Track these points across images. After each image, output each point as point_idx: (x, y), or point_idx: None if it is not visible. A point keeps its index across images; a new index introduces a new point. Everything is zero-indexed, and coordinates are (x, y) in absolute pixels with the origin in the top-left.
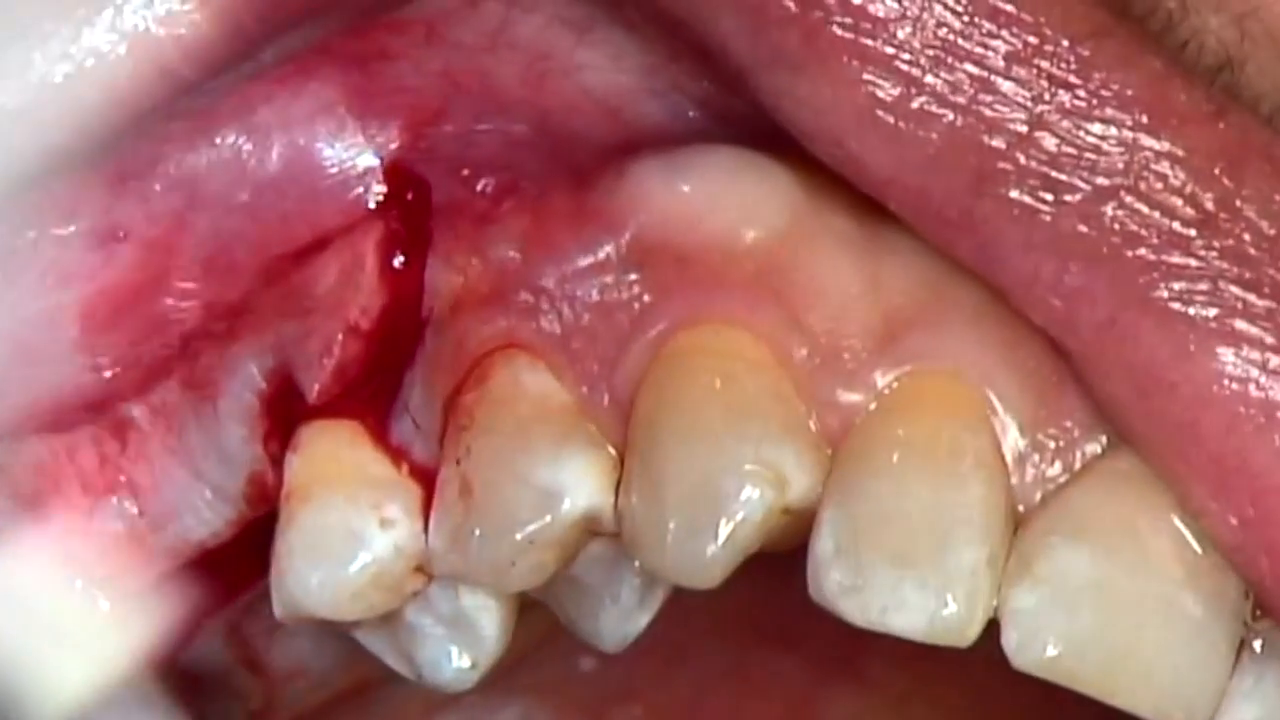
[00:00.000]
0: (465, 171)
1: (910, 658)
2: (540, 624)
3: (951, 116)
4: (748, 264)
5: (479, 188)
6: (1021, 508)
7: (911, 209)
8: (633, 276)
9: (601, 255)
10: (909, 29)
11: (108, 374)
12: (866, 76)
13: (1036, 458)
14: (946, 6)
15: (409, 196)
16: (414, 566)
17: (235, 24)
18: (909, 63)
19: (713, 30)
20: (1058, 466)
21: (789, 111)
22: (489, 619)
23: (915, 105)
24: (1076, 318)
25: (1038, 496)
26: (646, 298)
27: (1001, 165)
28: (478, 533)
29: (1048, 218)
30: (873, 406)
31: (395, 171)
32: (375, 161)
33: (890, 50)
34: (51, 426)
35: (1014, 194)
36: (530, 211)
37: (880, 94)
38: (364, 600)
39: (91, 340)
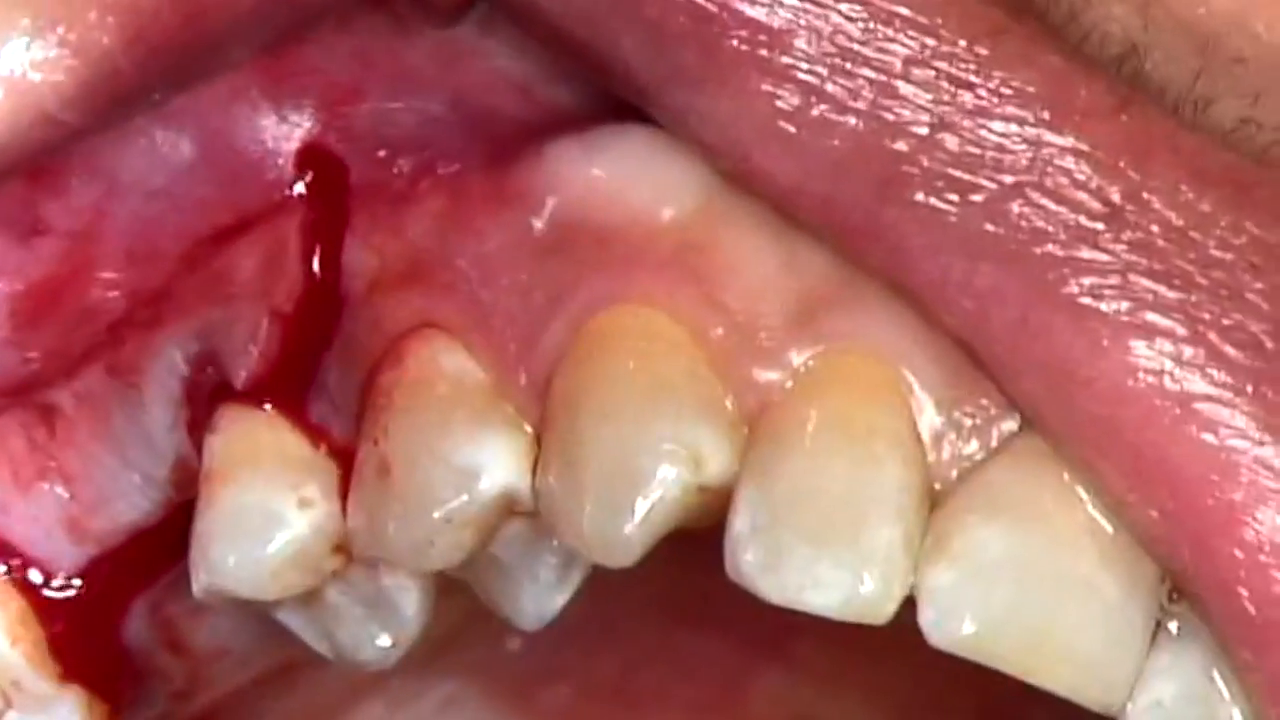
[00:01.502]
0: (382, 152)
1: (838, 637)
2: (465, 605)
3: (853, 122)
4: (664, 243)
5: (396, 168)
6: (938, 486)
7: (819, 218)
8: (550, 256)
9: (518, 235)
10: (806, 38)
11: (33, 362)
12: (766, 87)
13: (953, 436)
14: (842, 14)
15: (326, 178)
16: (333, 546)
17: (112, 70)
18: (808, 71)
19: (613, 50)
20: (974, 444)
21: (693, 128)
22: (409, 598)
23: (816, 113)
24: (988, 318)
25: (954, 474)
26: (563, 278)
27: (905, 169)
28: (396, 512)
29: (954, 219)
30: (789, 385)
31: (311, 153)
32: (291, 144)
33: (788, 60)
34: None
35: (919, 197)
36: (447, 192)
37: (781, 104)
38: (283, 580)
39: (20, 337)
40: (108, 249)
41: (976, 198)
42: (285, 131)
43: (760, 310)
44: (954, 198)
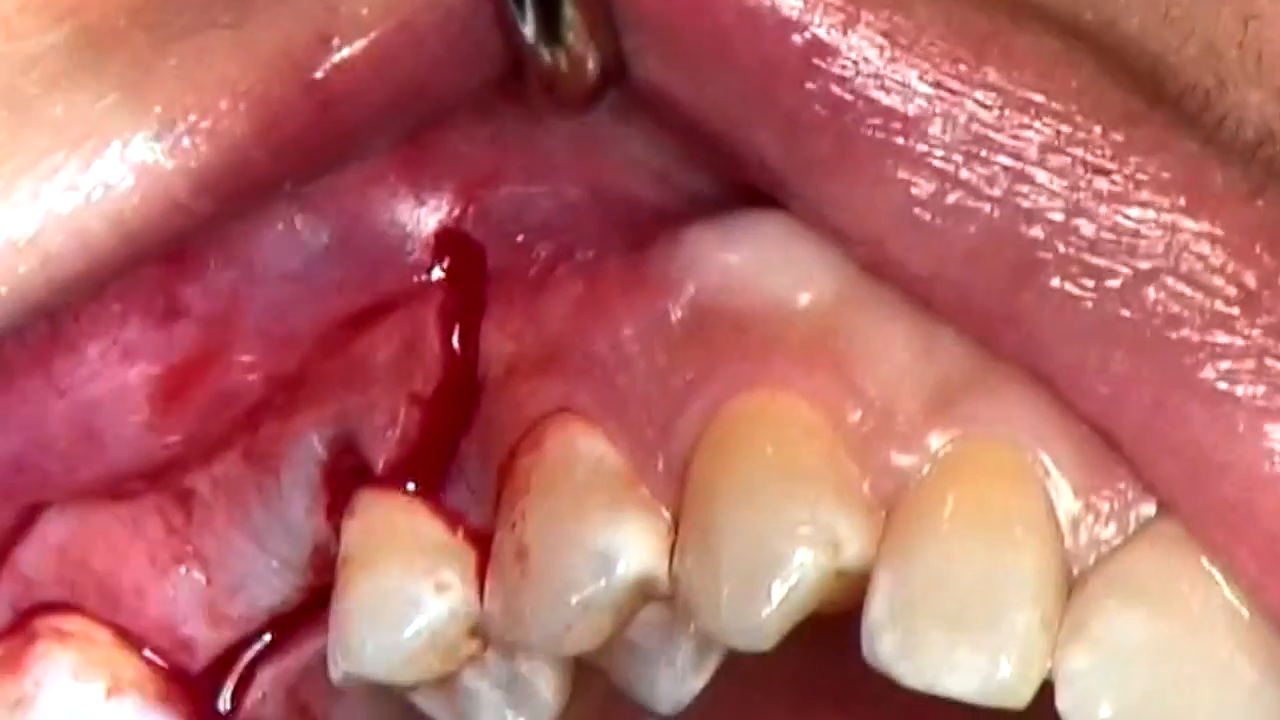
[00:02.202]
0: (519, 237)
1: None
2: (602, 689)
3: (989, 209)
4: (801, 329)
5: (533, 253)
6: (1075, 570)
7: (954, 305)
8: (686, 342)
9: (655, 321)
10: (940, 125)
11: (171, 446)
12: (901, 175)
13: (1090, 520)
14: (977, 101)
15: (464, 263)
16: (470, 630)
17: (244, 160)
18: (943, 159)
19: (748, 140)
20: (1111, 529)
21: (828, 216)
22: (545, 682)
23: (951, 200)
24: (1124, 403)
25: (1091, 559)
26: (700, 363)
27: (1041, 254)
28: (533, 597)
29: (1090, 305)
30: (926, 470)
31: (449, 238)
32: (429, 228)
33: (923, 148)
34: (115, 496)
35: (1055, 282)
36: (584, 277)
37: (916, 191)
38: (420, 664)
39: (159, 421)
40: (244, 333)
41: (1112, 283)
42: (422, 216)
43: (897, 395)
44: (1089, 283)
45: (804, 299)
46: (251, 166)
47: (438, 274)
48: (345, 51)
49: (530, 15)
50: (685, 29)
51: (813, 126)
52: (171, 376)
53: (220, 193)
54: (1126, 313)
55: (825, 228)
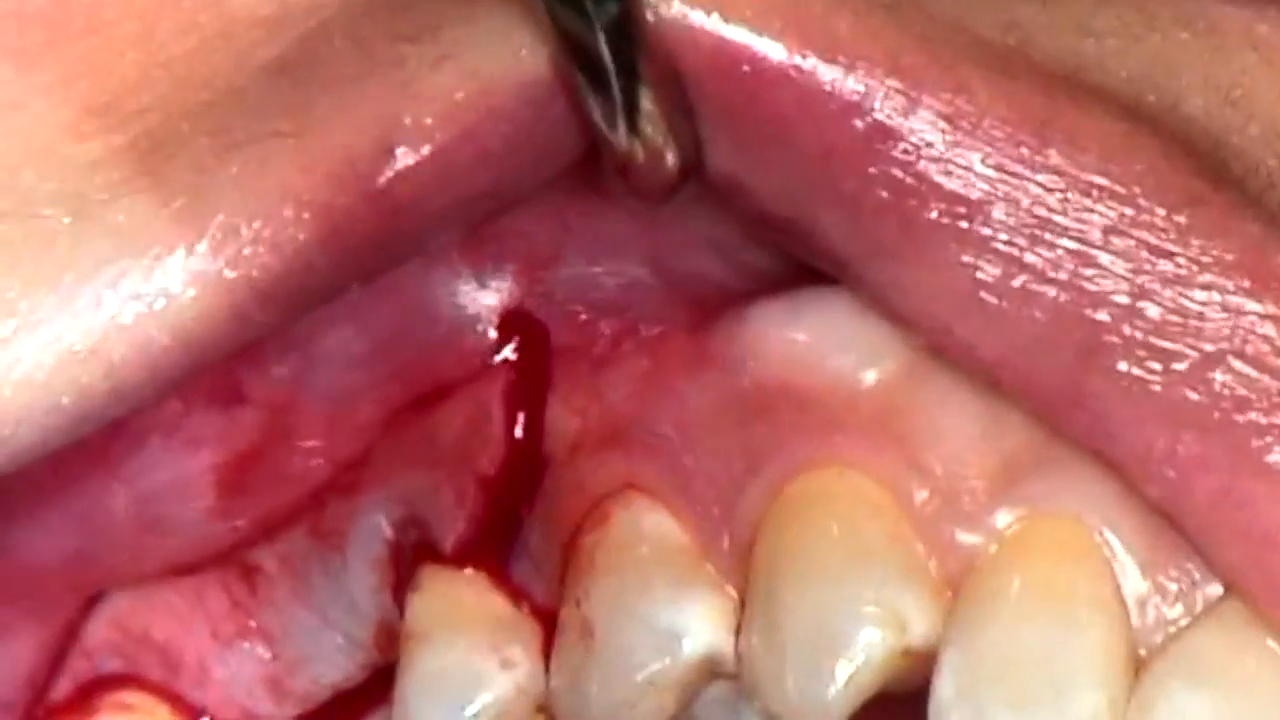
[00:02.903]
0: (583, 315)
1: None
2: None
3: (1054, 293)
4: (866, 407)
5: (597, 331)
6: (1142, 651)
7: (1021, 388)
8: (751, 419)
9: (720, 398)
10: (1004, 209)
11: (238, 530)
12: (966, 259)
13: (1157, 600)
14: (1040, 184)
15: (528, 342)
16: (535, 706)
17: (306, 266)
18: (1007, 243)
19: (811, 227)
20: (1179, 609)
21: (894, 301)
22: None
23: (1017, 284)
24: (1191, 488)
25: (1158, 639)
26: (765, 441)
27: (1108, 338)
28: (598, 674)
29: (1158, 388)
30: (992, 549)
31: (513, 318)
32: (492, 308)
33: (987, 231)
34: (178, 571)
35: (1122, 366)
36: (649, 354)
37: (981, 275)
38: None
39: (225, 506)
40: (307, 418)
41: (1179, 366)
42: (485, 296)
43: (963, 473)
44: (1156, 366)
45: (869, 377)
46: (314, 274)
47: (502, 354)
48: (409, 160)
49: (607, 110)
50: (748, 115)
51: (875, 211)
52: (235, 463)
53: (283, 301)
54: (1194, 396)
55: (889, 312)
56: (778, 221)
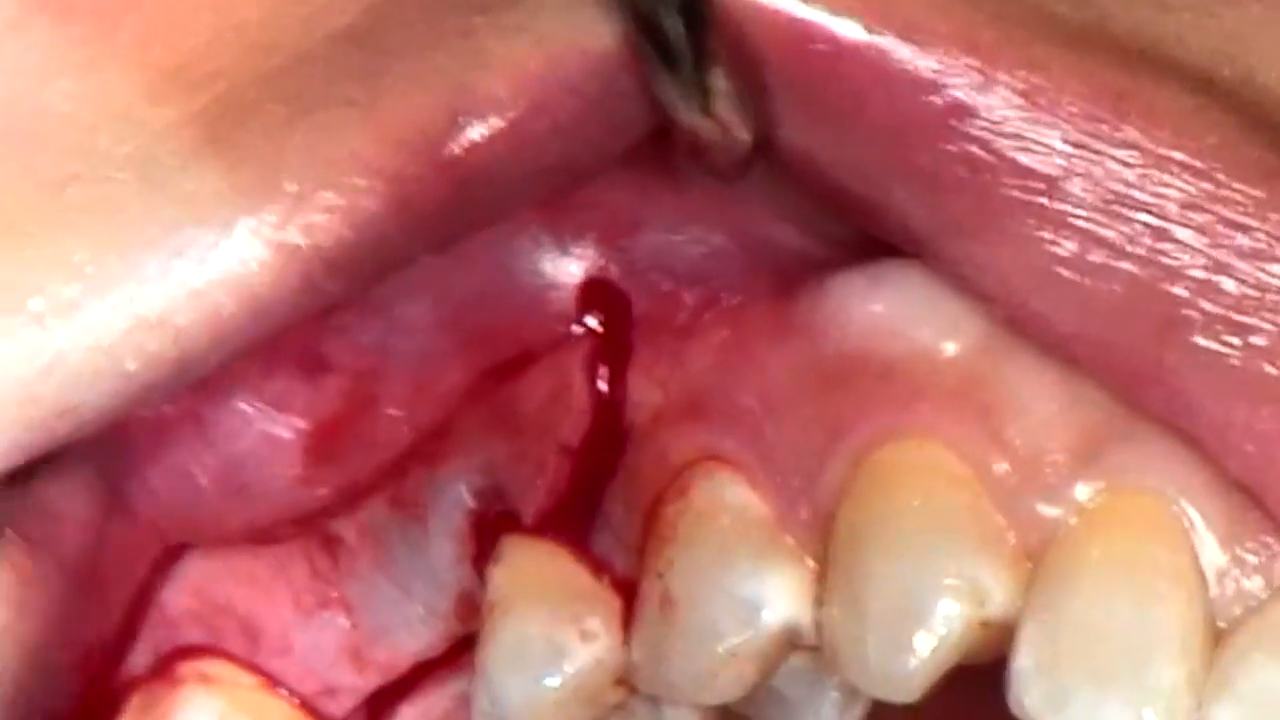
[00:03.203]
0: (665, 284)
1: None
2: None
3: (1131, 267)
4: (947, 378)
5: (679, 300)
6: (1222, 623)
7: (1098, 363)
8: (832, 390)
9: (801, 368)
10: (1081, 184)
11: (322, 498)
12: (1043, 234)
13: (1236, 573)
14: (1117, 159)
15: (610, 311)
16: (615, 678)
17: (379, 236)
18: (1085, 218)
19: (887, 203)
20: (1258, 582)
21: (971, 277)
22: None
23: (1094, 259)
24: (1270, 462)
25: (1238, 612)
26: (846, 411)
27: (1185, 312)
28: (679, 645)
29: (1236, 362)
30: (1073, 522)
31: (594, 286)
32: (573, 277)
33: (1064, 207)
34: (261, 539)
35: (1200, 340)
36: (730, 324)
37: (1058, 250)
38: (565, 711)
39: (311, 474)
40: (392, 385)
41: (1257, 340)
42: (567, 265)
43: (1044, 445)
44: (1235, 341)
45: (950, 348)
46: (384, 244)
47: (584, 323)
48: (480, 130)
49: (678, 89)
50: (822, 93)
51: (952, 187)
52: (321, 430)
53: (352, 270)
54: (1272, 370)
55: (965, 286)
56: (851, 199)
